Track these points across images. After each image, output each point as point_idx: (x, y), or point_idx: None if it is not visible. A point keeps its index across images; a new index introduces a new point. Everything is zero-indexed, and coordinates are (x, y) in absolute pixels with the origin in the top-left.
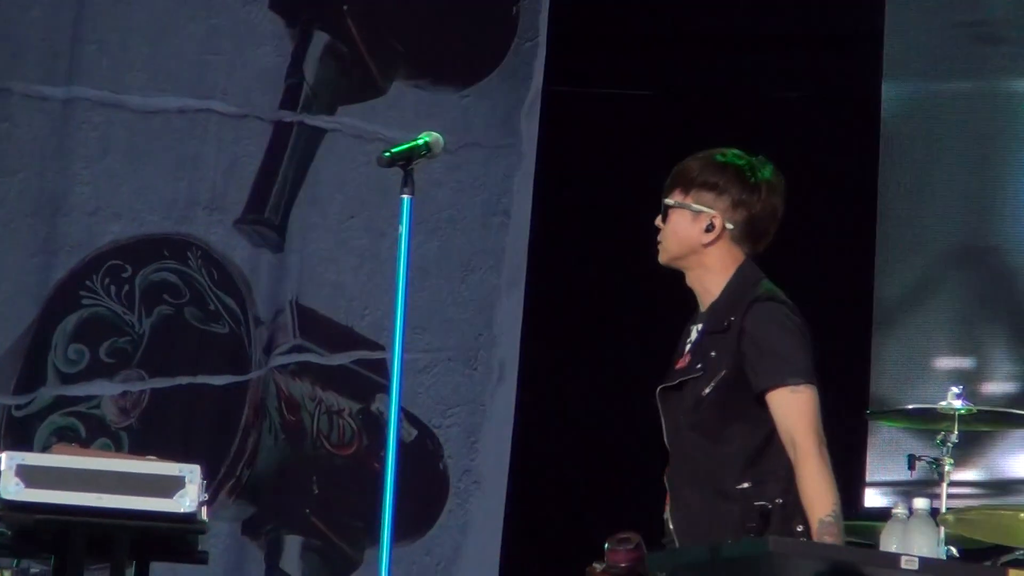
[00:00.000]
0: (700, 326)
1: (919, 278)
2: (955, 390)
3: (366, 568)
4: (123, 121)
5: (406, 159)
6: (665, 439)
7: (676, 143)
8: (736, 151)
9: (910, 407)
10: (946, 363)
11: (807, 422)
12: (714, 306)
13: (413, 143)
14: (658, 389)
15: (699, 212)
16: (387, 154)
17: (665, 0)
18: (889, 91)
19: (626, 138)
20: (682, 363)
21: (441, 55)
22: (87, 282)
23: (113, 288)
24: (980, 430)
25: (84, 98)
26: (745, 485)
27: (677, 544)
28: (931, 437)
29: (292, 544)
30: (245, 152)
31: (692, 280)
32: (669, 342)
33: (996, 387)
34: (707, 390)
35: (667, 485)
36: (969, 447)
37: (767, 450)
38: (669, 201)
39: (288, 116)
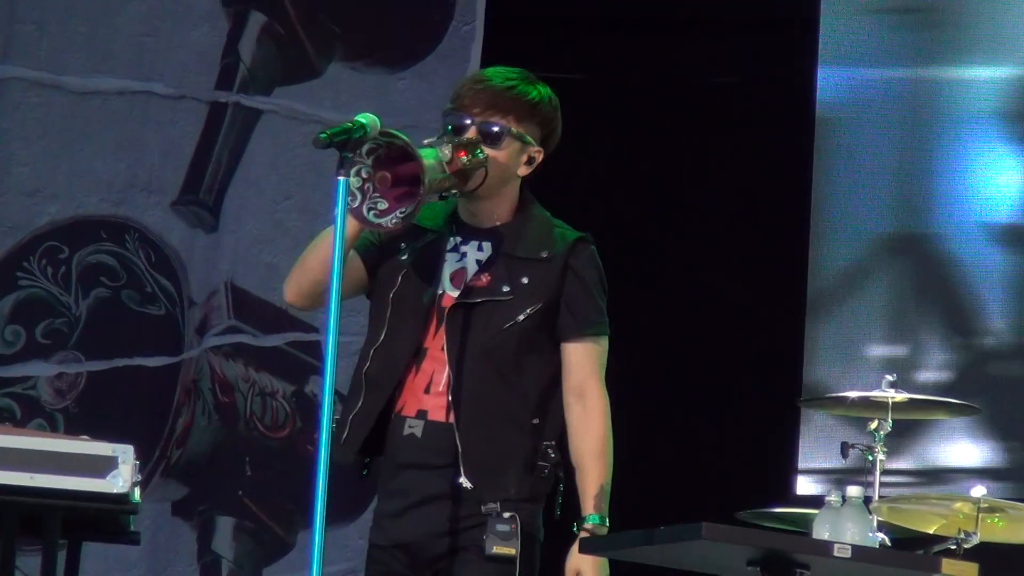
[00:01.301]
0: (481, 244)
1: (853, 265)
2: (889, 378)
3: (298, 550)
4: (61, 102)
5: (342, 141)
6: (445, 352)
7: (610, 127)
8: (527, 74)
9: (843, 395)
10: (880, 351)
11: (602, 375)
12: (511, 231)
13: (349, 125)
14: (451, 303)
15: (528, 145)
16: (323, 135)
17: None
18: (824, 77)
19: (561, 121)
20: (477, 281)
21: (378, 37)
22: (24, 263)
23: (50, 269)
24: (913, 418)
25: (21, 78)
26: (535, 421)
27: (462, 457)
28: (864, 425)
29: (224, 525)
30: (182, 134)
31: (480, 207)
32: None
33: (930, 375)
34: (520, 317)
35: (450, 400)
36: (902, 435)
37: (551, 391)
38: (512, 129)
39: (223, 96)
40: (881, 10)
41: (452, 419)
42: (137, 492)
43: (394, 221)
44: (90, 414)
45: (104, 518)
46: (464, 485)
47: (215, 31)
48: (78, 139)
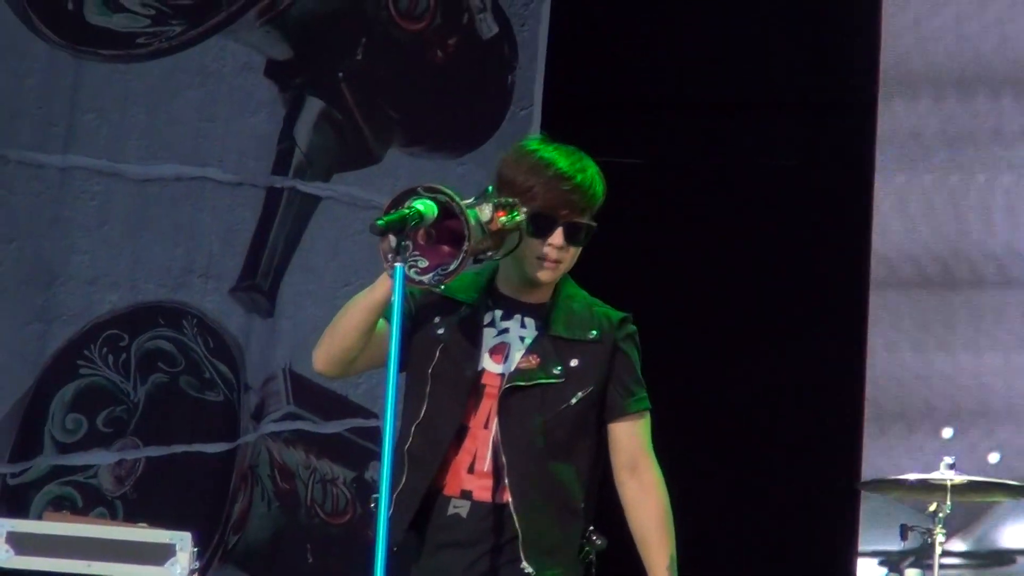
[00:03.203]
0: (523, 320)
1: (913, 347)
2: (948, 460)
3: None
4: (121, 190)
5: (400, 227)
6: (491, 431)
7: (669, 211)
8: (589, 161)
9: (902, 477)
10: (940, 432)
11: (651, 447)
12: (554, 309)
13: (404, 212)
14: (505, 386)
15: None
16: (380, 222)
17: (658, 68)
18: (883, 158)
19: (619, 205)
20: (527, 362)
21: (437, 123)
22: (85, 351)
23: (111, 357)
24: (973, 500)
25: (82, 167)
26: (582, 505)
27: (522, 542)
28: (924, 507)
29: None
30: (240, 219)
31: (535, 292)
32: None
33: (990, 457)
34: (573, 400)
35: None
36: (961, 517)
37: (594, 473)
38: (593, 225)
39: (279, 181)
40: (940, 92)
41: (504, 500)
42: None
43: (436, 278)
44: (148, 500)
45: None
46: (526, 570)
47: (273, 117)
48: (137, 226)
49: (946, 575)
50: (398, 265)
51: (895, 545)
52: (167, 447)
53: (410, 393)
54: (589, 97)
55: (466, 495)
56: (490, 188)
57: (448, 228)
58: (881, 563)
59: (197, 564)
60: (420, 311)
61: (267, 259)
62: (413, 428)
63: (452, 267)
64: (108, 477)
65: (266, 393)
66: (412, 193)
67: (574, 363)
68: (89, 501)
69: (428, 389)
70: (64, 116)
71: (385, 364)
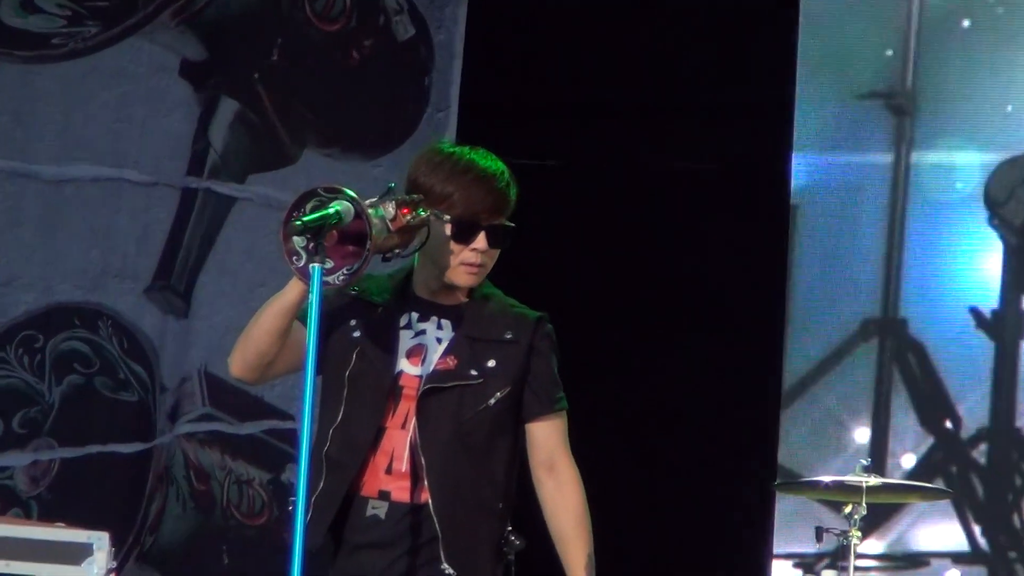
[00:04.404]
0: (440, 322)
1: (828, 350)
2: (863, 462)
3: None
4: (35, 191)
5: (316, 228)
6: (409, 432)
7: (584, 214)
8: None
9: (818, 479)
10: (855, 435)
11: (568, 447)
12: (470, 311)
13: (324, 212)
14: (423, 387)
15: None
16: (298, 223)
17: (575, 71)
18: (799, 162)
19: (535, 207)
20: (445, 364)
21: (353, 124)
22: (1, 353)
23: (26, 359)
24: (887, 502)
25: None
26: (501, 505)
27: (441, 543)
28: (839, 509)
29: None
30: (155, 220)
31: (452, 294)
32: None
33: (904, 460)
34: (491, 401)
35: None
36: (877, 519)
37: (512, 473)
38: (512, 226)
39: (194, 183)
40: (855, 95)
41: (423, 500)
42: None
43: (341, 278)
44: (63, 501)
45: None
46: (447, 571)
47: (188, 118)
48: (52, 227)
49: None
50: (315, 265)
51: (810, 547)
52: (82, 448)
53: (327, 396)
54: (506, 100)
55: (384, 496)
56: (392, 185)
57: (352, 229)
58: (796, 565)
59: (114, 564)
60: (335, 313)
61: (182, 260)
62: (331, 431)
63: (356, 267)
64: (23, 478)
65: (181, 394)
66: (312, 195)
67: (491, 364)
68: (5, 502)
69: (345, 392)
70: None
71: (302, 368)
